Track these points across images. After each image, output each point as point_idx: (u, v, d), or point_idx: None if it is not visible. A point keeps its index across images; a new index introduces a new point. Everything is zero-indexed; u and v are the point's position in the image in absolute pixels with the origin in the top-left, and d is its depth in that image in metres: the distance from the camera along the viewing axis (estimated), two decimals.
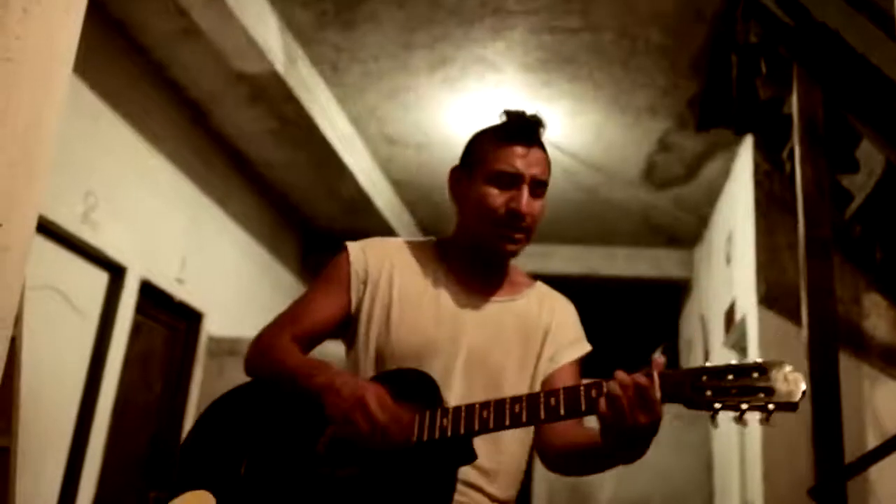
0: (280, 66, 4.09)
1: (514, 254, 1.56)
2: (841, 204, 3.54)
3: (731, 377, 1.22)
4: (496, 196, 1.51)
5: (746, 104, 3.86)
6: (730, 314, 4.89)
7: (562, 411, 1.28)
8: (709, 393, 1.22)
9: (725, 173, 5.25)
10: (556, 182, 6.15)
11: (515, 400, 1.31)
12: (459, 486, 1.39)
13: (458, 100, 4.72)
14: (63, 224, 3.80)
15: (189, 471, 1.49)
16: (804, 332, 2.78)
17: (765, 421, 1.19)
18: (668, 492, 5.70)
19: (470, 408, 1.32)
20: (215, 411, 1.55)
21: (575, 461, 1.50)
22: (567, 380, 1.49)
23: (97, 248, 4.08)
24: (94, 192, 4.02)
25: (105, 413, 4.18)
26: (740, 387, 1.21)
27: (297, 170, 5.63)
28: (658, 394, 1.23)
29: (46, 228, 3.67)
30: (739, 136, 4.59)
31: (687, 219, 6.16)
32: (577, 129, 4.99)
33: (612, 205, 6.07)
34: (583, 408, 1.27)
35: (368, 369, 1.52)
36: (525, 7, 3.88)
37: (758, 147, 4.37)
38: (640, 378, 1.25)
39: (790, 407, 1.18)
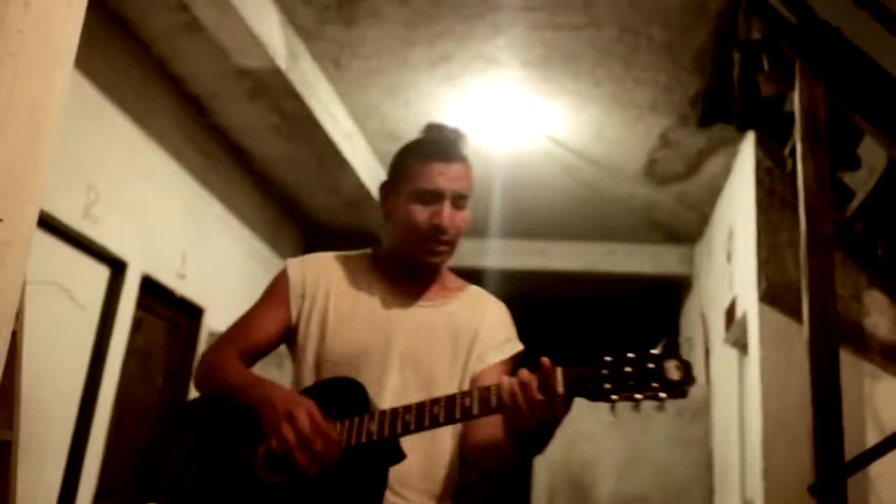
0: (281, 61, 4.09)
1: (440, 264, 1.67)
2: (842, 201, 3.54)
3: (627, 369, 1.29)
4: (419, 212, 1.60)
5: (748, 101, 3.86)
6: (730, 311, 4.89)
7: (475, 410, 1.36)
8: (607, 385, 1.29)
9: (727, 170, 5.24)
10: (556, 178, 6.14)
11: (434, 402, 1.39)
12: (397, 488, 1.49)
13: (460, 96, 4.72)
14: (64, 219, 3.80)
15: (140, 484, 1.58)
16: (805, 329, 2.78)
17: (659, 408, 1.28)
18: (668, 488, 5.71)
19: (395, 411, 1.41)
20: (167, 426, 1.70)
21: (484, 454, 1.56)
22: (494, 378, 1.51)
23: (98, 243, 4.08)
24: (95, 187, 4.02)
25: (106, 407, 4.18)
26: (636, 377, 1.28)
27: (298, 165, 5.63)
28: (561, 389, 1.30)
29: (47, 223, 3.67)
30: (741, 132, 4.58)
31: (688, 215, 6.16)
32: (579, 126, 4.98)
33: (613, 201, 6.07)
34: (493, 405, 1.35)
35: (308, 377, 1.61)
36: (526, 3, 3.87)
37: (759, 144, 4.36)
38: (538, 376, 1.32)
39: (680, 394, 1.27)
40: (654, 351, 1.30)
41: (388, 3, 3.93)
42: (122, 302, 4.29)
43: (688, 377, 1.28)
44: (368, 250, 1.77)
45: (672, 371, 1.28)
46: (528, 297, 7.56)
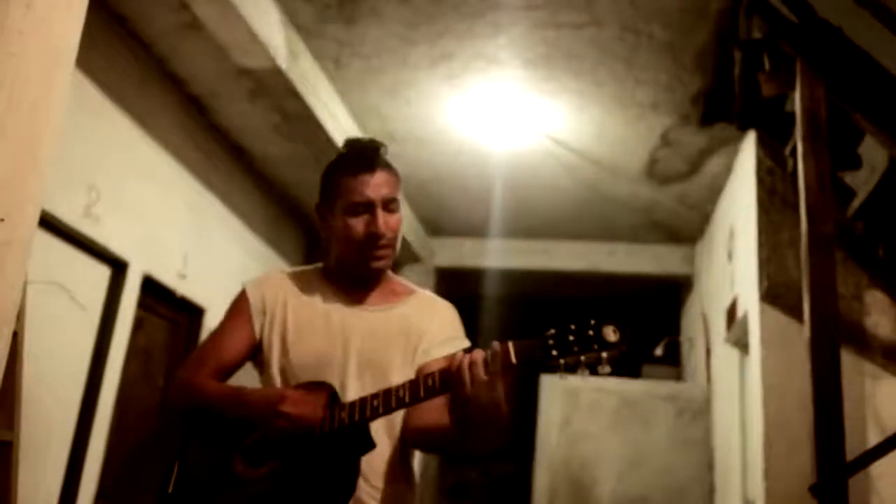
0: (282, 60, 4.08)
1: (385, 268, 1.78)
2: (843, 200, 3.54)
3: (571, 337, 1.46)
4: (355, 224, 1.73)
5: (749, 100, 3.85)
6: (731, 311, 4.89)
7: (438, 387, 1.50)
8: (554, 352, 1.45)
9: (728, 170, 5.24)
10: (557, 178, 6.13)
11: (399, 387, 1.53)
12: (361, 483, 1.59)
13: (460, 95, 4.72)
14: (65, 218, 3.80)
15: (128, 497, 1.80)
16: (806, 328, 2.78)
17: (606, 373, 1.44)
18: (668, 489, 5.71)
19: (363, 399, 1.55)
20: (148, 441, 1.84)
21: (425, 436, 1.67)
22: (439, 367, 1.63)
23: (99, 243, 4.08)
24: (96, 187, 4.02)
25: (107, 407, 4.18)
26: (579, 343, 1.45)
27: (299, 165, 5.63)
28: (514, 359, 1.46)
29: (48, 223, 3.67)
30: (742, 132, 4.58)
31: (689, 215, 6.16)
32: (580, 125, 4.98)
33: (614, 201, 6.06)
34: (450, 382, 1.48)
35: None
36: (527, 2, 3.87)
37: (760, 143, 4.36)
38: (485, 352, 1.48)
39: (619, 353, 1.44)
40: (592, 321, 1.47)
41: (389, 1, 3.92)
42: (123, 302, 4.29)
43: (624, 337, 1.44)
44: (319, 264, 1.88)
45: (609, 334, 1.45)
46: (528, 296, 7.57)
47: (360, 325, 1.73)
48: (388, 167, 1.78)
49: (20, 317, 2.73)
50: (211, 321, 5.18)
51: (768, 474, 3.88)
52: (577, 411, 6.01)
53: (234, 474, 1.57)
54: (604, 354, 1.44)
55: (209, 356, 1.75)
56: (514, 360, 1.46)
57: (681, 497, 5.66)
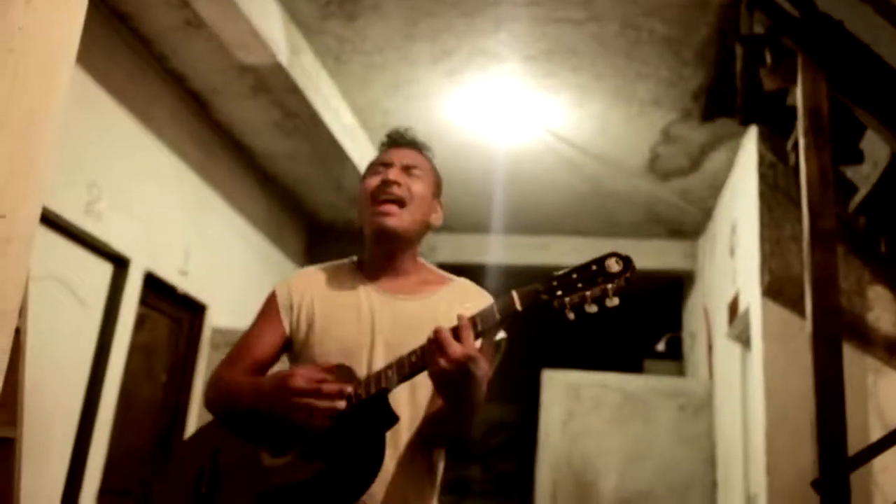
0: (283, 57, 4.08)
1: (397, 229, 1.71)
2: (845, 195, 3.53)
3: (574, 276, 1.46)
4: (369, 181, 1.74)
5: (751, 95, 3.85)
6: (733, 306, 4.89)
7: (419, 364, 1.49)
8: (559, 293, 1.45)
9: (729, 165, 5.24)
10: (558, 173, 6.12)
11: (410, 352, 1.51)
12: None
13: (461, 91, 4.72)
14: (66, 215, 3.80)
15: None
16: (808, 323, 2.77)
17: (615, 304, 1.43)
18: (671, 483, 5.71)
19: (378, 373, 1.54)
20: (184, 450, 1.81)
21: (430, 425, 1.64)
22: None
23: (101, 240, 4.08)
24: (98, 184, 4.03)
25: (109, 404, 4.19)
26: (584, 280, 1.45)
27: (301, 161, 5.63)
28: (520, 307, 1.45)
29: (50, 220, 3.67)
30: (743, 127, 4.57)
31: (690, 210, 6.15)
32: (581, 120, 4.98)
33: (616, 196, 6.06)
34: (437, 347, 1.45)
35: None
36: None
37: (762, 138, 4.35)
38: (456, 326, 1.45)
39: (625, 282, 1.43)
40: (595, 258, 1.47)
41: None
42: (125, 298, 4.30)
43: (627, 267, 1.43)
44: (354, 258, 1.85)
45: (613, 265, 1.44)
46: None
47: (390, 314, 1.70)
48: (418, 148, 1.81)
49: (22, 314, 2.73)
50: (213, 317, 5.19)
51: (770, 469, 3.89)
52: (579, 407, 6.02)
53: (261, 468, 1.56)
54: (609, 286, 1.43)
55: (241, 354, 1.75)
56: (518, 307, 1.45)
57: (683, 492, 5.66)
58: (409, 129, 1.82)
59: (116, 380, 4.25)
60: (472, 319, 1.46)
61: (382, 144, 1.84)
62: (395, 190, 1.70)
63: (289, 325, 1.76)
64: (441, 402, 1.56)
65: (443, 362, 1.41)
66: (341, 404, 1.49)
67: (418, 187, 1.73)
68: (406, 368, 1.51)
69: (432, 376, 1.46)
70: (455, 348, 1.41)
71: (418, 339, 1.58)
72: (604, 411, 5.99)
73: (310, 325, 1.73)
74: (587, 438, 5.92)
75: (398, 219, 1.71)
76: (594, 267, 1.45)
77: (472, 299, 1.72)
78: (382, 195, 1.70)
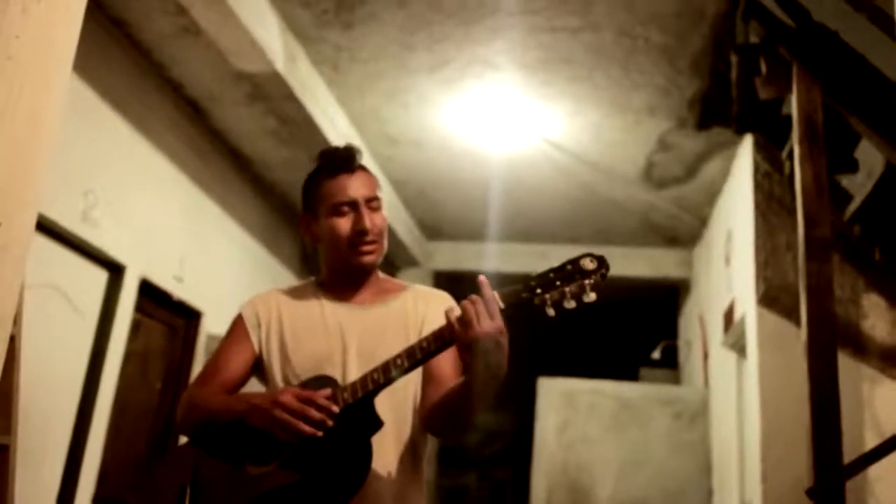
0: (280, 65, 4.09)
1: (373, 263, 1.81)
2: (840, 204, 3.54)
3: (552, 275, 1.53)
4: (341, 224, 1.77)
5: (746, 104, 3.86)
6: (729, 314, 4.89)
7: (432, 347, 1.54)
8: (539, 290, 1.52)
9: (725, 173, 5.25)
10: (554, 182, 6.12)
11: (396, 356, 1.56)
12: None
13: (458, 99, 4.73)
14: (62, 222, 3.79)
15: None
16: (803, 332, 2.78)
17: (592, 300, 1.50)
18: (666, 491, 5.71)
19: (363, 377, 1.58)
20: (159, 470, 1.84)
21: (440, 410, 1.64)
22: (447, 357, 1.67)
23: (96, 247, 4.07)
24: (94, 191, 4.02)
25: (104, 411, 4.18)
26: (561, 278, 1.52)
27: (297, 169, 5.62)
28: (503, 304, 1.51)
29: (45, 227, 3.67)
30: (739, 135, 4.59)
31: (686, 219, 6.17)
32: (577, 129, 4.99)
33: (612, 204, 6.07)
34: (447, 338, 1.52)
35: None
36: (524, 7, 3.87)
37: (757, 147, 4.37)
38: (478, 296, 1.51)
39: (600, 277, 1.52)
40: (571, 258, 1.54)
41: (387, 7, 3.93)
42: (121, 305, 4.29)
43: (601, 264, 1.52)
44: (312, 279, 1.92)
45: (587, 264, 1.52)
46: None
47: (357, 323, 1.76)
48: (364, 169, 1.84)
49: (17, 320, 2.72)
50: (208, 324, 5.18)
51: (765, 477, 3.89)
52: (574, 414, 6.01)
53: (248, 476, 1.59)
54: (586, 282, 1.51)
55: (213, 375, 1.78)
56: (501, 304, 1.51)
57: (678, 500, 5.66)
58: (350, 147, 1.83)
59: (111, 386, 4.24)
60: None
61: (328, 167, 1.82)
62: (372, 237, 1.77)
63: (258, 343, 1.80)
64: (444, 388, 1.61)
65: (486, 324, 1.46)
66: (335, 408, 1.53)
67: (380, 220, 1.80)
68: (392, 372, 1.55)
69: (470, 344, 1.46)
70: (495, 308, 1.48)
71: (391, 340, 1.68)
72: (599, 419, 5.99)
73: (280, 342, 1.78)
74: (583, 446, 5.92)
75: (376, 255, 1.80)
76: (569, 266, 1.53)
77: (436, 300, 1.82)
78: (361, 243, 1.77)
